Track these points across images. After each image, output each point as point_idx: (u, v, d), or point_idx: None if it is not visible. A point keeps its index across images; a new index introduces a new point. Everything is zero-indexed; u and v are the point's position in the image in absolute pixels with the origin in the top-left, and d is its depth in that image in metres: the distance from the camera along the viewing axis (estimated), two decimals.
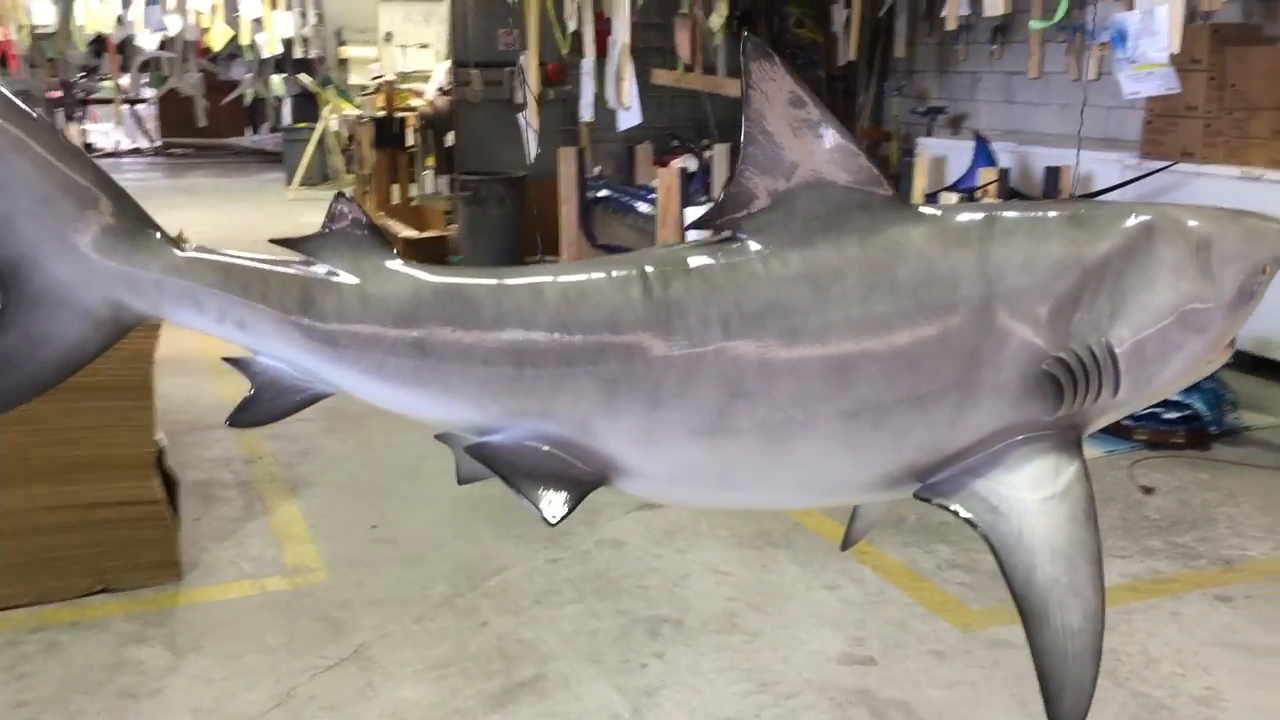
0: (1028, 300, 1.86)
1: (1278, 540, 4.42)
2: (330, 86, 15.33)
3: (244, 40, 14.59)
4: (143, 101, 18.95)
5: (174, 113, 18.11)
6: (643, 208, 6.63)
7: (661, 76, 6.83)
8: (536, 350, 1.79)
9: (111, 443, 3.91)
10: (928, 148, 8.18)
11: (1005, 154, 7.95)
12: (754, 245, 1.86)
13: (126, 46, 14.49)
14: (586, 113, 6.64)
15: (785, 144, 1.87)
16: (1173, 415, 5.24)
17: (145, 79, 15.81)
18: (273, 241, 1.91)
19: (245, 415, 1.85)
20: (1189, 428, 5.29)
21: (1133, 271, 1.90)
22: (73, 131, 15.56)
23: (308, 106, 16.25)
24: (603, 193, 7.75)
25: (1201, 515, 4.69)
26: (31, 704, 3.31)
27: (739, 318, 1.80)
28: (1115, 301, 1.89)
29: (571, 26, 7.54)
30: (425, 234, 10.33)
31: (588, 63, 6.56)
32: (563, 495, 1.81)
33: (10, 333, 1.77)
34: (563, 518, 1.82)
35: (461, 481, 2.03)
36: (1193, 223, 1.97)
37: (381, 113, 11.22)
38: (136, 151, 19.62)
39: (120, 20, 13.82)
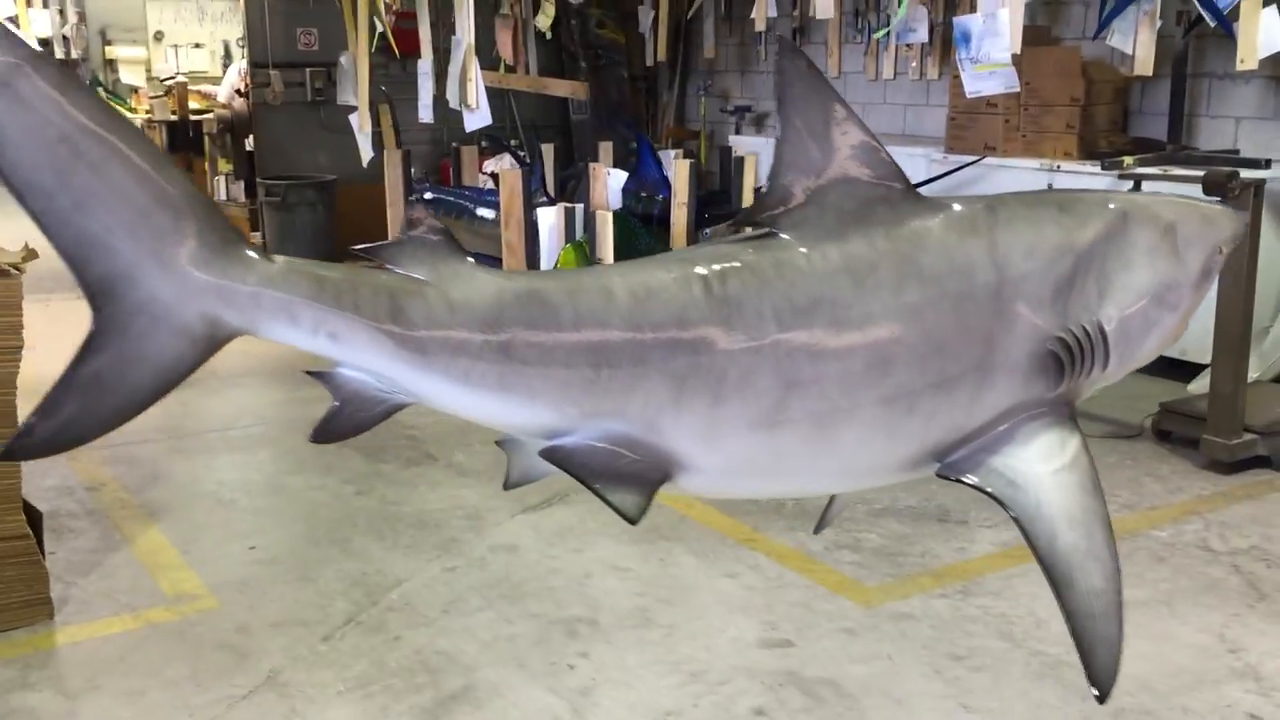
0: (1032, 284, 1.99)
1: (1120, 502, 4.79)
2: (98, 89, 14.45)
3: None
4: None
5: None
6: (483, 211, 6.56)
7: (485, 78, 6.78)
8: (612, 350, 1.79)
9: None
10: (743, 146, 8.41)
11: None
12: (793, 240, 1.92)
13: None
14: (425, 114, 6.53)
15: (817, 142, 1.94)
16: None
17: None
18: (353, 250, 1.84)
19: (330, 430, 1.78)
20: None
21: (1114, 255, 2.06)
22: None
23: None
24: (429, 196, 7.62)
25: None
26: None
27: (790, 311, 1.85)
28: (1102, 283, 2.05)
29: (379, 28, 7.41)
30: None
31: (425, 64, 6.45)
32: (636, 494, 1.82)
33: (102, 355, 1.65)
34: (642, 517, 1.82)
35: (509, 486, 2.01)
36: (1158, 209, 2.15)
37: (174, 116, 10.67)
38: None
39: None
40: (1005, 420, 2.01)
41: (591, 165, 6.38)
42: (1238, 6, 5.61)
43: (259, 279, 1.70)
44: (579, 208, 5.81)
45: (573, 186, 6.89)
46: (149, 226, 1.63)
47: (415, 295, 1.76)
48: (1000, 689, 3.42)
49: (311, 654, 3.61)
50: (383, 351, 1.75)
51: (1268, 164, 6.17)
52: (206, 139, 10.57)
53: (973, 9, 4.79)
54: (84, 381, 1.66)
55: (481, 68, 6.87)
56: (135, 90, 13.89)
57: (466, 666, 3.54)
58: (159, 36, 15.20)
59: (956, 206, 2.04)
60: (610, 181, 6.42)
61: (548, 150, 7.42)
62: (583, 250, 5.53)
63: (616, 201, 6.48)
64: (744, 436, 1.88)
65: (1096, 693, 2.04)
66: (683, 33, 10.34)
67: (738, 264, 1.88)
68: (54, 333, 3.01)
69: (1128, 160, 6.39)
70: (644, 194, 6.89)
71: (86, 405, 1.67)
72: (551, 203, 6.44)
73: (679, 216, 6.72)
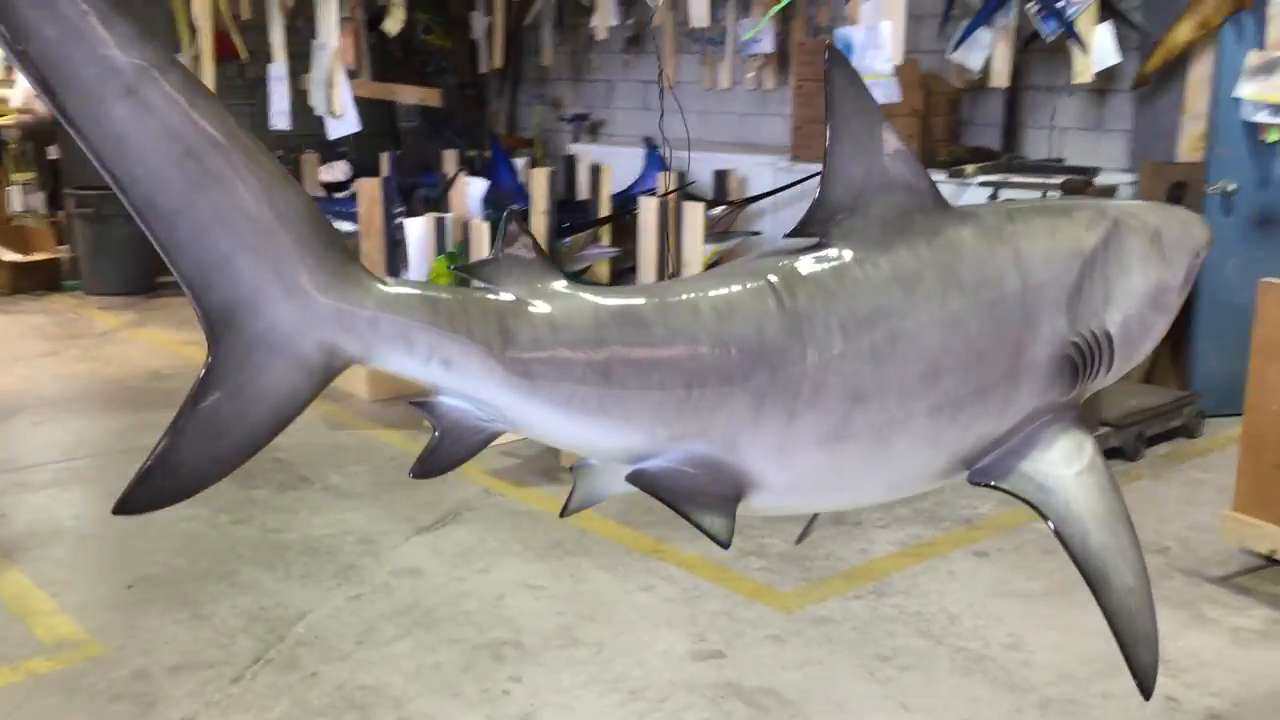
0: (1051, 291, 2.04)
1: (999, 498, 4.98)
2: None
3: None
4: None
5: None
6: (340, 225, 6.31)
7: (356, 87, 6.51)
8: (703, 368, 1.73)
9: None
10: (585, 154, 8.39)
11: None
12: (845, 251, 1.90)
13: None
14: (281, 120, 6.23)
15: (862, 154, 1.93)
16: None
17: None
18: (456, 269, 1.70)
19: (431, 463, 1.64)
20: None
21: (1114, 262, 2.13)
22: None
23: None
24: None
25: None
26: None
27: (854, 323, 1.83)
28: (1105, 289, 2.11)
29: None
30: (32, 257, 9.23)
31: (279, 67, 6.15)
32: (722, 517, 1.76)
33: (220, 391, 1.47)
34: (731, 539, 1.77)
35: (569, 512, 1.92)
36: (1144, 215, 2.24)
37: None
38: None
39: None
40: (1027, 425, 2.05)
41: (453, 173, 6.23)
42: (1072, 24, 5.95)
43: (377, 303, 1.56)
44: (448, 217, 5.65)
45: (427, 195, 6.72)
46: (272, 248, 1.47)
47: (521, 317, 1.66)
48: (932, 687, 3.49)
49: (224, 698, 3.38)
50: (492, 377, 1.63)
51: (1096, 171, 6.56)
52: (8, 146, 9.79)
53: (855, 20, 4.91)
54: (201, 422, 1.49)
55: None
56: None
57: (396, 700, 3.38)
58: None
59: (980, 215, 2.07)
60: (471, 190, 6.29)
61: (386, 159, 7.21)
62: (457, 262, 5.39)
63: (478, 210, 6.35)
64: (812, 452, 1.85)
65: (1142, 690, 2.07)
66: (513, 40, 10.23)
67: (801, 275, 1.85)
68: None
69: (970, 169, 6.67)
70: (500, 203, 6.78)
71: (204, 448, 1.50)
72: (410, 213, 6.25)
73: (539, 225, 6.64)
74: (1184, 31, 5.86)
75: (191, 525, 4.62)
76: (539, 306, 1.68)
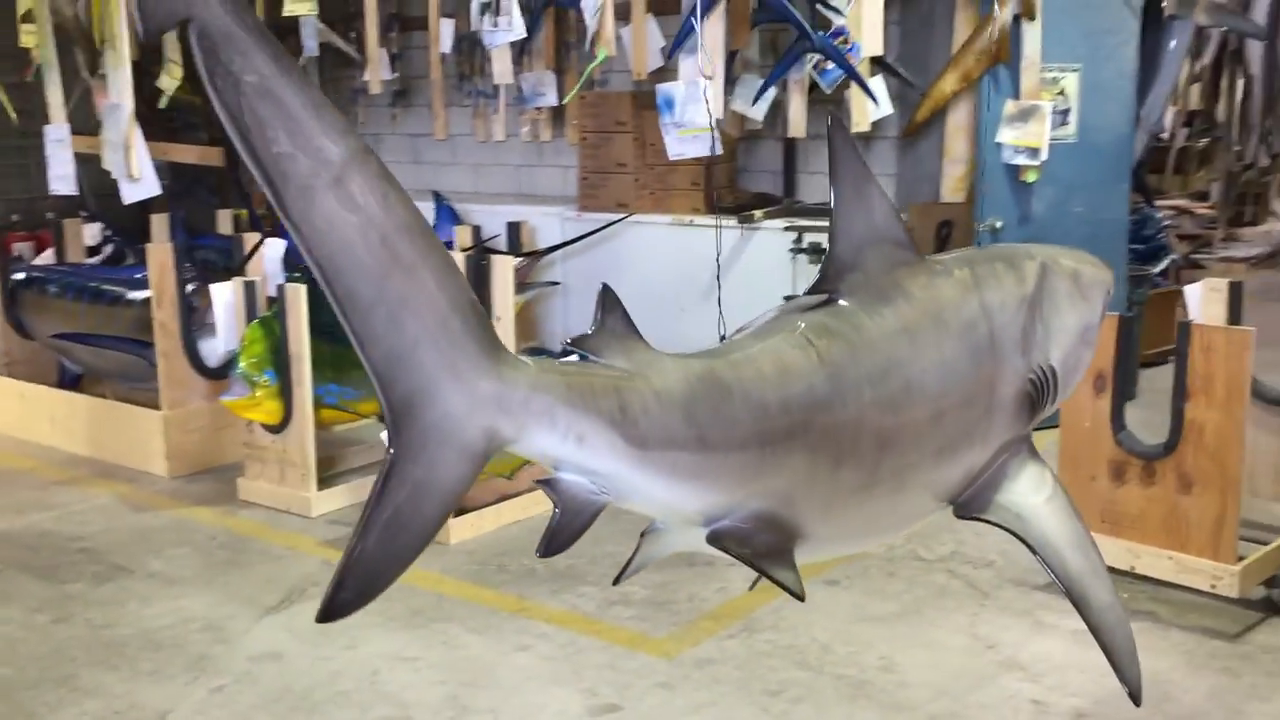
0: (1010, 332, 2.21)
1: None
2: None
3: None
4: None
5: None
6: (133, 294, 5.91)
7: (82, 143, 6.09)
8: (773, 427, 1.76)
9: None
10: None
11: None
12: (854, 305, 1.99)
13: None
14: (63, 185, 5.78)
15: (860, 212, 2.03)
16: None
17: None
18: (569, 344, 1.65)
19: (555, 541, 1.60)
20: None
21: (1048, 303, 2.33)
22: None
23: None
24: (22, 275, 6.77)
25: None
26: None
27: (876, 373, 1.92)
28: (1046, 328, 2.30)
29: None
30: None
31: (58, 130, 5.72)
32: (790, 570, 1.79)
33: (402, 486, 1.39)
34: (804, 592, 1.80)
35: (624, 578, 1.91)
36: (1062, 259, 2.45)
37: None
38: None
39: None
40: (998, 458, 2.20)
41: (248, 236, 5.99)
42: (860, 76, 6.36)
43: (528, 383, 1.52)
44: (257, 281, 5.42)
45: (209, 259, 6.42)
46: (446, 334, 1.43)
47: (631, 389, 1.66)
48: (824, 716, 3.62)
49: None
50: (615, 449, 1.62)
51: None
52: None
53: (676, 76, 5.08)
54: (387, 519, 1.42)
55: (75, 132, 6.23)
56: None
57: None
58: None
59: (947, 266, 2.21)
60: (269, 251, 6.06)
61: (160, 221, 6.81)
62: (272, 328, 5.17)
63: (277, 272, 6.12)
64: (849, 499, 1.92)
65: (1132, 698, 2.24)
66: None
67: (829, 330, 1.92)
68: None
69: (758, 214, 6.99)
70: (292, 263, 6.57)
71: (388, 545, 1.43)
72: (201, 279, 5.95)
73: None
74: (948, 83, 6.37)
75: (6, 630, 4.21)
76: (643, 377, 1.69)
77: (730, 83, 6.85)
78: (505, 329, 6.10)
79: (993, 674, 3.88)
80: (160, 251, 5.61)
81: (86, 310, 6.05)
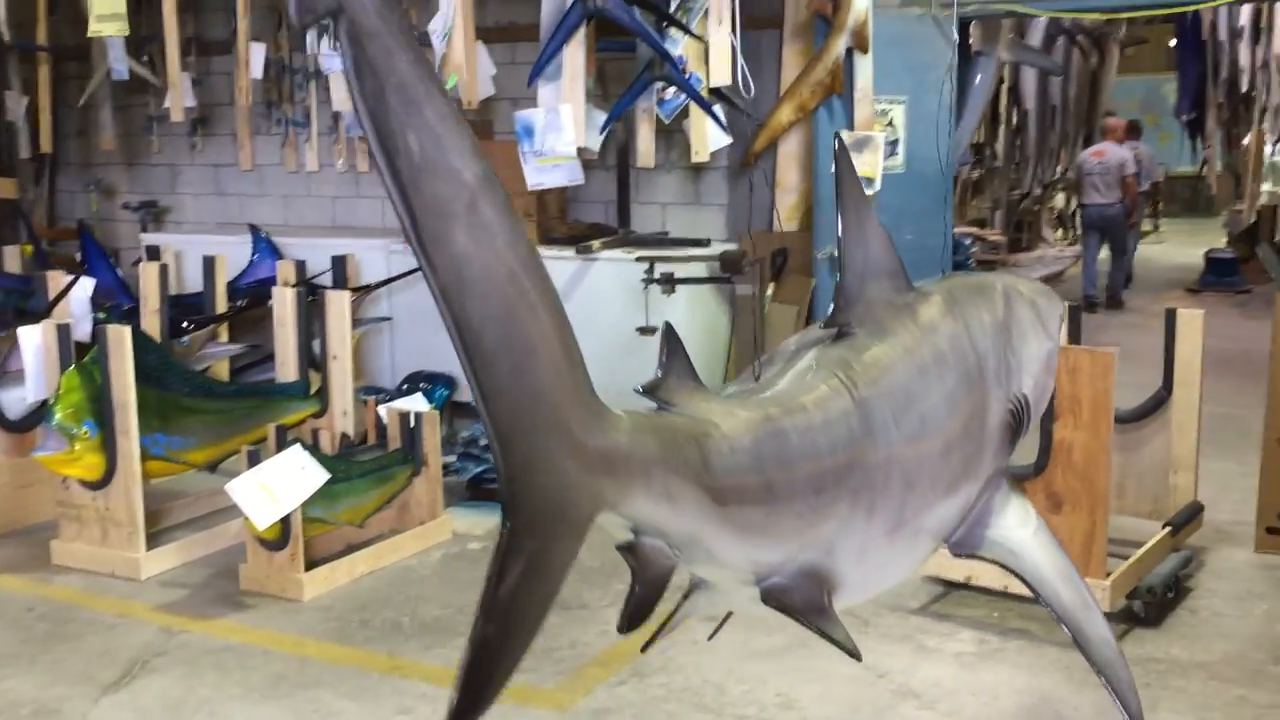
0: (991, 361, 2.15)
1: None
2: None
3: None
4: None
5: None
6: None
7: None
8: (823, 472, 1.62)
9: None
10: (170, 245, 7.71)
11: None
12: (866, 338, 1.88)
13: None
14: None
15: (863, 243, 1.93)
16: None
17: None
18: (642, 393, 1.42)
19: (641, 612, 1.39)
20: None
21: (1016, 331, 2.29)
22: None
23: None
24: None
25: None
26: None
27: (898, 409, 1.82)
28: (1017, 356, 2.26)
29: None
30: None
31: None
32: (839, 626, 1.65)
33: (517, 564, 1.14)
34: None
35: (661, 636, 1.72)
36: (1020, 288, 2.42)
37: None
38: None
39: None
40: (986, 491, 2.14)
41: (51, 275, 5.48)
42: (687, 107, 6.35)
43: (629, 439, 1.31)
44: (70, 323, 4.94)
45: (20, 298, 5.85)
46: (560, 385, 1.22)
47: (709, 440, 1.48)
48: None
49: None
50: (699, 506, 1.45)
51: (707, 242, 7.02)
52: None
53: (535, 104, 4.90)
54: (504, 605, 1.18)
55: None
56: None
57: None
58: None
59: (932, 294, 2.14)
60: (78, 291, 5.56)
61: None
62: (91, 374, 4.71)
63: (86, 313, 5.63)
64: (879, 542, 1.82)
65: None
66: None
67: (853, 366, 1.81)
68: None
69: (596, 244, 6.88)
70: (106, 303, 6.08)
71: (506, 631, 1.19)
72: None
73: (151, 324, 6.03)
74: (785, 114, 6.44)
75: None
76: (714, 425, 1.53)
77: None
78: (342, 368, 5.80)
79: (889, 703, 3.85)
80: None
81: None
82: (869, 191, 6.33)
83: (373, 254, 7.52)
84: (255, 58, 7.87)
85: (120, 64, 7.44)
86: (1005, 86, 12.73)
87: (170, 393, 5.10)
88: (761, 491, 1.63)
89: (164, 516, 5.30)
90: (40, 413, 4.95)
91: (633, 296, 6.46)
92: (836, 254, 6.84)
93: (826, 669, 4.06)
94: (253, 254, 7.30)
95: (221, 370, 6.52)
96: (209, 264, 6.40)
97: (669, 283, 5.53)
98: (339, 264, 7.09)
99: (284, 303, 5.81)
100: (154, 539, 5.01)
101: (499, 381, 1.24)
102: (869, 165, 6.30)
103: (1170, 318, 5.06)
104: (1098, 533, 4.21)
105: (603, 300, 6.87)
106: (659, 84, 5.83)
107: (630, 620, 1.50)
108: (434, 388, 6.58)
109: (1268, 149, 14.00)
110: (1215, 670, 4.01)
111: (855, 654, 1.74)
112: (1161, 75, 20.03)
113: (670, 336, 1.59)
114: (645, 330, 5.80)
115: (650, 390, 1.57)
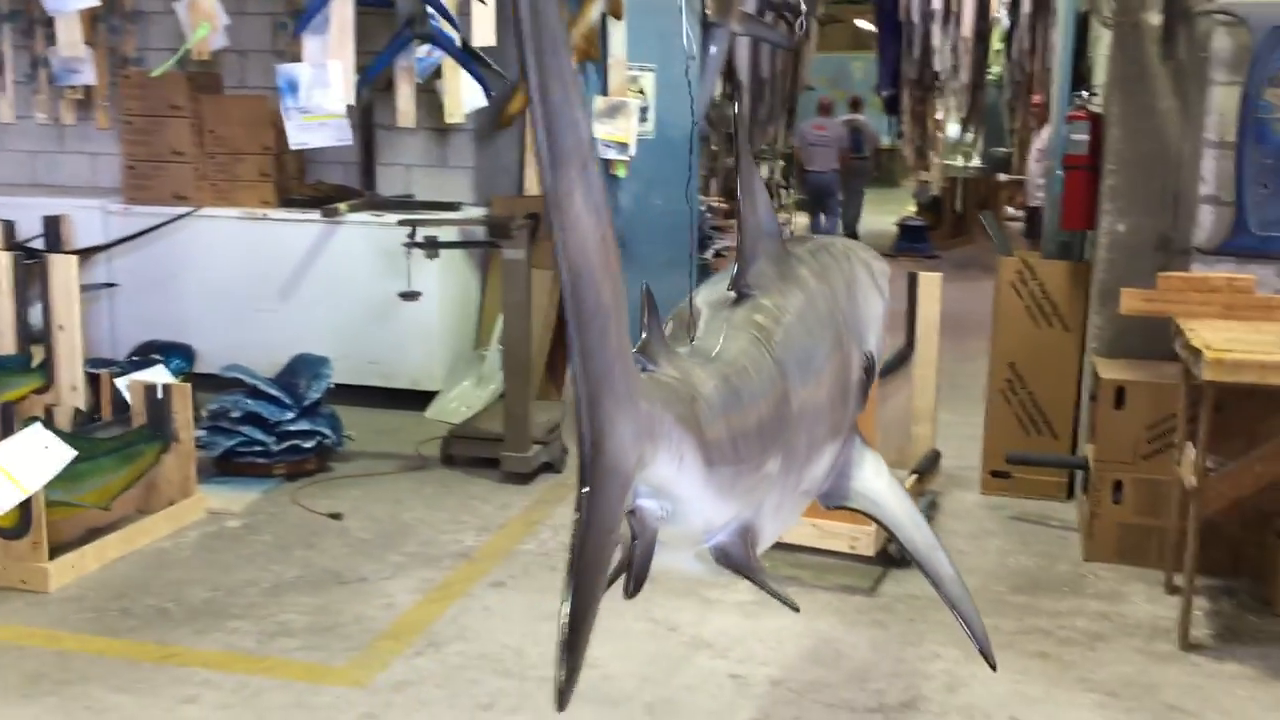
0: (849, 316, 2.24)
1: (475, 526, 5.05)
2: None
3: None
4: None
5: None
6: None
7: None
8: (765, 433, 1.62)
9: None
10: None
11: None
12: (764, 298, 1.91)
13: None
14: None
15: (756, 209, 1.95)
16: (309, 444, 5.51)
17: None
18: (638, 353, 1.33)
19: (644, 573, 1.31)
20: (318, 452, 5.60)
21: (859, 290, 2.39)
22: None
23: None
24: None
25: (402, 524, 5.06)
26: None
27: (801, 367, 1.86)
28: (862, 314, 2.36)
29: None
30: None
31: None
32: (774, 582, 1.66)
33: (594, 529, 1.04)
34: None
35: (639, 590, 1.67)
36: (855, 250, 2.53)
37: None
38: None
39: None
40: (846, 443, 2.23)
41: None
42: (440, 67, 6.22)
43: (662, 402, 1.25)
44: None
45: None
46: (623, 349, 1.15)
47: (698, 401, 1.44)
48: None
49: None
50: (698, 467, 1.39)
51: (458, 206, 6.91)
52: None
53: (299, 58, 4.60)
54: (588, 571, 1.09)
55: None
56: None
57: None
58: None
59: (799, 255, 2.19)
60: None
61: None
62: None
63: None
64: (789, 497, 1.84)
65: (988, 661, 2.34)
66: None
67: (763, 326, 1.83)
68: None
69: (342, 206, 6.64)
70: None
71: (588, 600, 1.10)
72: None
73: None
74: None
75: None
76: (695, 389, 1.50)
77: None
78: (70, 339, 5.35)
79: (685, 655, 3.96)
80: None
81: None
82: (623, 157, 6.42)
83: (88, 214, 6.95)
84: None
85: None
86: None
87: None
88: (731, 451, 1.64)
89: None
90: None
91: (385, 261, 6.28)
92: None
93: (621, 626, 4.13)
94: None
95: None
96: None
97: (433, 247, 5.40)
98: (52, 225, 6.50)
99: None
100: None
101: (592, 343, 1.21)
102: (623, 131, 6.39)
103: (912, 281, 5.42)
104: None
105: (351, 264, 6.65)
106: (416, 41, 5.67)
107: (637, 583, 1.48)
108: (169, 358, 6.16)
109: (951, 126, 15.22)
110: None
111: (794, 606, 1.78)
112: (850, 53, 21.33)
113: (649, 297, 1.57)
114: (408, 295, 5.65)
115: (641, 353, 1.54)
